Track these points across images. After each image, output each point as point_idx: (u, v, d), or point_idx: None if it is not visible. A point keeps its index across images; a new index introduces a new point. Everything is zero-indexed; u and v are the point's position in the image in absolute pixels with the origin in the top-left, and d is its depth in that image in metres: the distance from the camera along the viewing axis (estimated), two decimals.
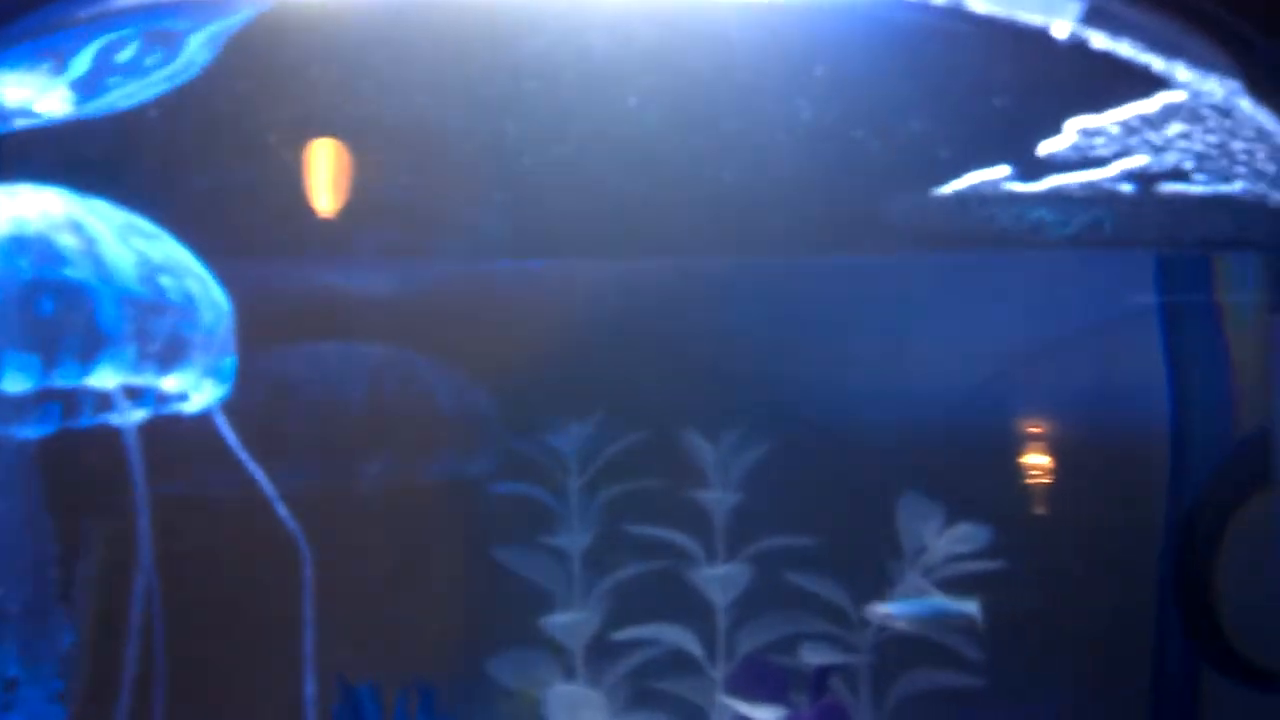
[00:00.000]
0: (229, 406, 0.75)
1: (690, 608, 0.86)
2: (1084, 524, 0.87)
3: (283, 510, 0.61)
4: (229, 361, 0.60)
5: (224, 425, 0.60)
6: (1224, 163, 0.75)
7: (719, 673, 0.85)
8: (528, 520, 0.87)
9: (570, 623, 0.84)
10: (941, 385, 0.88)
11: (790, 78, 0.77)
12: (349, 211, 0.83)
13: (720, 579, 0.85)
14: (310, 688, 0.60)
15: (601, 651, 0.86)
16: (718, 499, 0.86)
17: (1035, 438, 0.89)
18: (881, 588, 0.84)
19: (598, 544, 0.87)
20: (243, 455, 0.60)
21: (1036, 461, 0.89)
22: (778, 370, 0.89)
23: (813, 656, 0.82)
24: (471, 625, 0.89)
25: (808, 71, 0.78)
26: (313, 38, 0.71)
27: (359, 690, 0.77)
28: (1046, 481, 0.88)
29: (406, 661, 0.85)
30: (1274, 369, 0.77)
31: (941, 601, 0.78)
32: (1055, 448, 0.89)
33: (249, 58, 0.65)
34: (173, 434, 0.65)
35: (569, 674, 0.86)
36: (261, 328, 0.85)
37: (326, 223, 0.82)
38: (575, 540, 0.87)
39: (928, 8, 0.74)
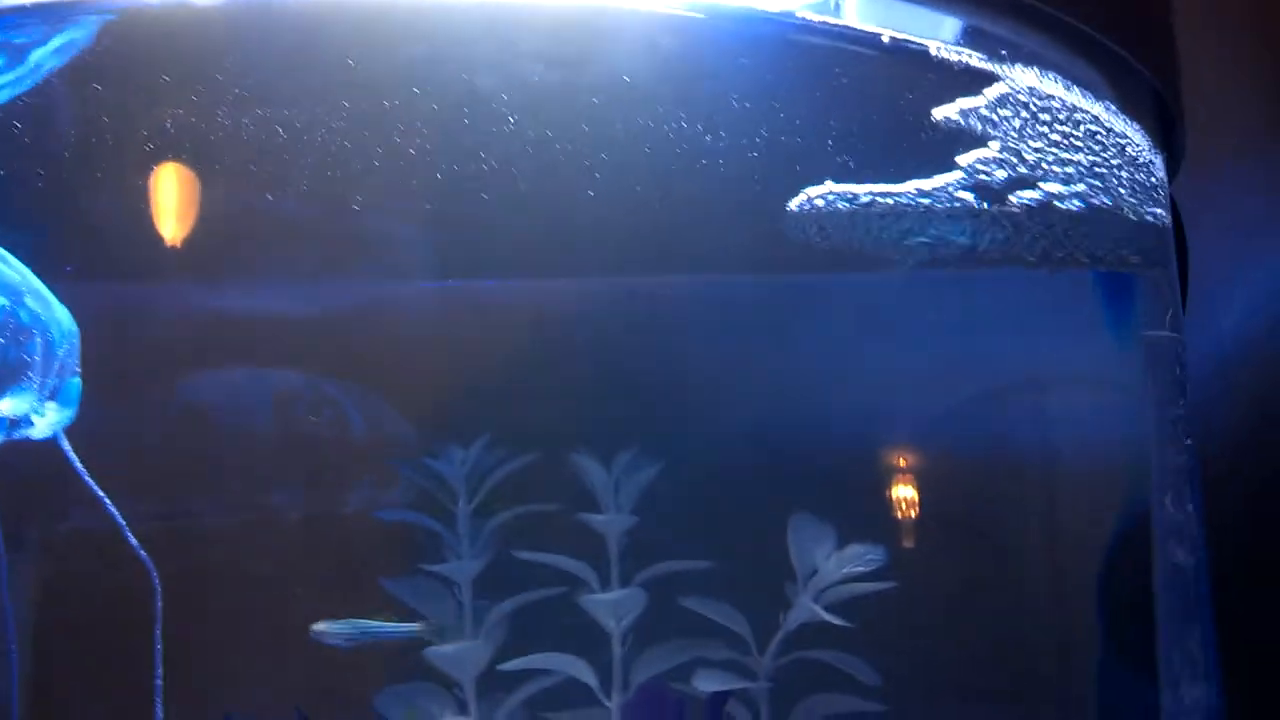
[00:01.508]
0: (130, 437, 0.73)
1: (585, 635, 0.84)
2: (988, 549, 0.86)
3: (133, 539, 0.58)
4: (74, 383, 0.58)
5: (69, 451, 0.58)
6: (1102, 180, 0.74)
7: (614, 702, 0.83)
8: (418, 551, 0.85)
9: (456, 653, 0.82)
10: (845, 406, 0.87)
11: (682, 94, 0.77)
12: (252, 230, 0.81)
13: (613, 604, 0.83)
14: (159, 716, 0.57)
15: (494, 683, 0.84)
16: (610, 521, 0.84)
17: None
18: (779, 611, 0.83)
19: (488, 571, 0.85)
20: (90, 482, 0.58)
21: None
22: (676, 393, 0.88)
23: (707, 684, 0.80)
24: (361, 658, 0.87)
25: (698, 88, 0.77)
26: (199, 39, 0.69)
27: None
28: (949, 500, 0.87)
29: (294, 695, 0.82)
30: (1149, 389, 0.76)
31: (379, 624, 0.77)
32: (962, 466, 0.88)
33: (123, 64, 0.63)
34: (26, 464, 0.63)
35: (461, 708, 0.83)
36: (160, 356, 0.83)
37: (220, 244, 0.80)
38: (465, 567, 0.84)
39: (811, 26, 0.73)
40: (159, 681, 0.58)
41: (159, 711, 0.58)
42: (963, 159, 0.75)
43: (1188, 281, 0.83)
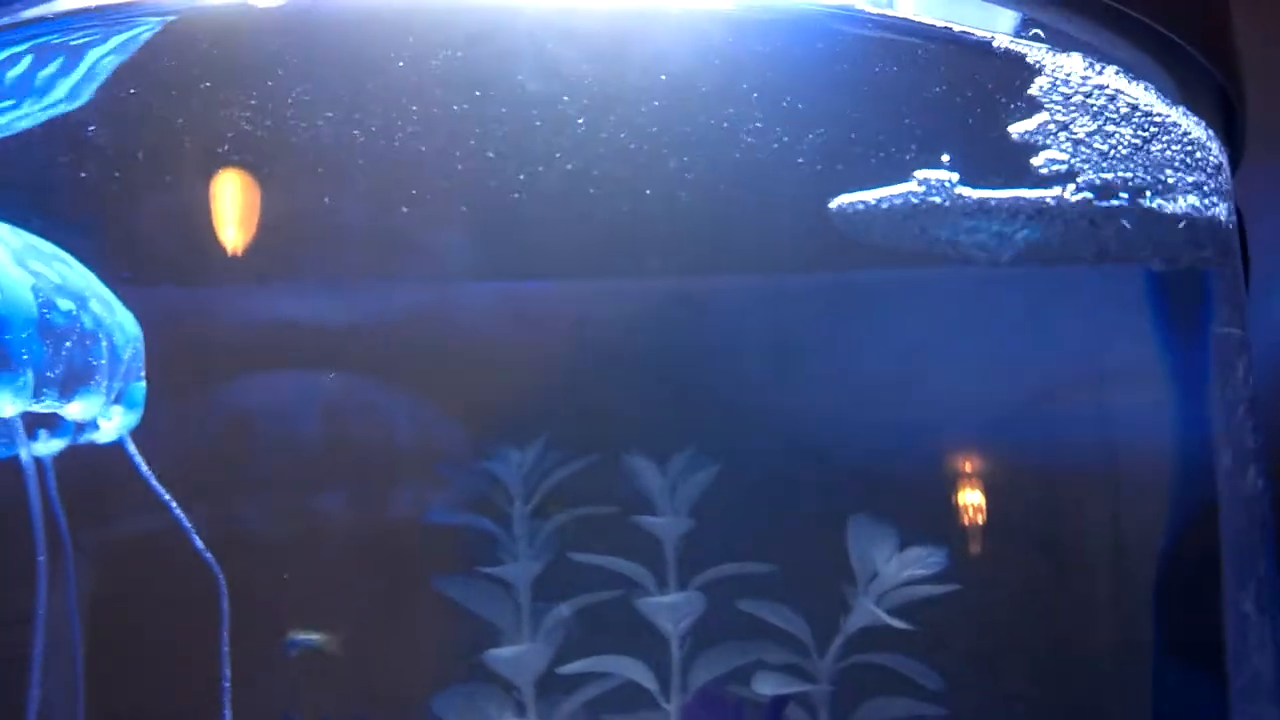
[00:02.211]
0: (179, 440, 0.73)
1: (643, 639, 0.84)
2: (1051, 549, 0.85)
3: (199, 542, 0.58)
4: (138, 387, 0.58)
5: (135, 454, 0.58)
6: (1167, 176, 0.73)
7: (673, 705, 0.83)
8: (476, 554, 0.85)
9: (515, 655, 0.81)
10: (905, 408, 0.86)
11: (733, 91, 0.76)
12: (300, 236, 0.81)
13: (671, 607, 0.83)
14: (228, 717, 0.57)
15: (552, 686, 0.83)
16: (667, 524, 0.84)
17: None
18: (838, 614, 0.82)
19: (545, 574, 0.85)
20: (156, 485, 0.58)
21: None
22: (733, 394, 0.87)
23: (765, 687, 0.80)
24: (422, 662, 0.87)
25: (751, 84, 0.77)
26: (250, 45, 0.69)
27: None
28: (1012, 506, 0.86)
29: (354, 699, 0.82)
30: (1215, 386, 0.75)
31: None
32: (1023, 471, 0.87)
33: (160, 71, 0.64)
34: (90, 467, 0.63)
35: (519, 710, 0.83)
36: (211, 360, 0.83)
37: (277, 248, 0.80)
38: (522, 570, 0.84)
39: (864, 19, 0.73)
40: (226, 684, 0.58)
41: (227, 713, 0.58)
42: (1027, 154, 0.74)
43: (1249, 274, 0.82)
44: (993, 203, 0.73)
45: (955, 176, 0.74)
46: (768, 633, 0.83)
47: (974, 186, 0.73)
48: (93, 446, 0.62)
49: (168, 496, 0.58)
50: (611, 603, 0.84)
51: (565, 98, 0.76)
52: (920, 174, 0.74)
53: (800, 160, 0.76)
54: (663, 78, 0.76)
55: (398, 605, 0.86)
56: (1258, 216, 0.91)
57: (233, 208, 0.78)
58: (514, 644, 0.83)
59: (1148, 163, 0.73)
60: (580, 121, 0.76)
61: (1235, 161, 0.79)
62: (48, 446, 0.60)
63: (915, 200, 0.73)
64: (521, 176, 0.79)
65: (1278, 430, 0.93)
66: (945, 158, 0.72)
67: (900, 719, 0.81)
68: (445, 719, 0.82)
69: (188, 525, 0.58)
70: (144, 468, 0.58)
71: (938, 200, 0.72)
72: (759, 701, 0.81)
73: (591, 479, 0.85)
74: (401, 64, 0.74)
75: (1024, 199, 0.71)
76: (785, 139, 0.76)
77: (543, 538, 0.85)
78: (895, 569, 0.80)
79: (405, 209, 0.80)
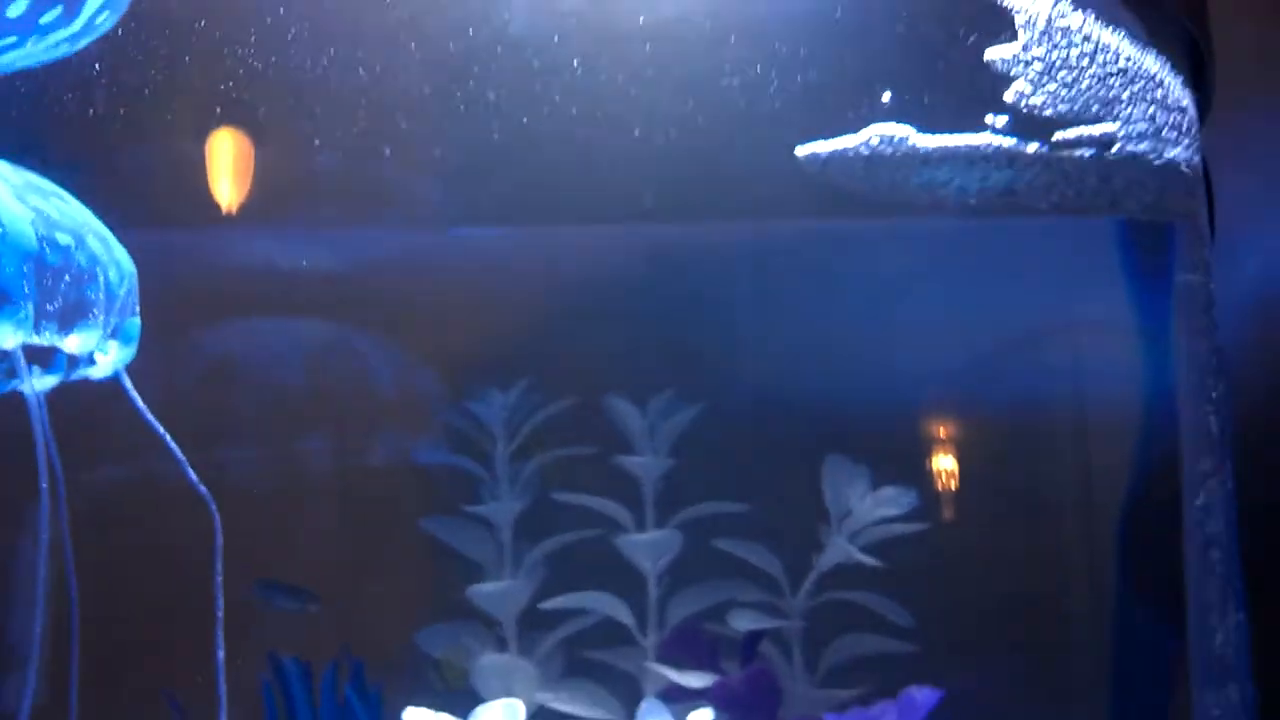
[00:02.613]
0: (164, 383, 0.74)
1: (622, 576, 0.86)
2: (1018, 493, 0.87)
3: (192, 475, 0.60)
4: (133, 323, 0.59)
5: (131, 389, 0.59)
6: (1136, 123, 0.75)
7: (650, 641, 0.85)
8: (463, 493, 0.86)
9: (497, 592, 0.83)
10: (877, 354, 0.88)
11: (703, 36, 0.77)
12: (285, 181, 0.82)
13: (649, 545, 0.85)
14: (220, 654, 0.59)
15: (533, 622, 0.85)
16: (646, 464, 0.85)
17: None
18: (811, 552, 0.84)
19: (527, 513, 0.86)
20: (151, 419, 0.59)
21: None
22: (710, 337, 0.89)
23: (741, 623, 0.82)
24: (406, 599, 0.89)
25: (727, 30, 0.77)
26: None
27: (285, 662, 0.76)
28: (978, 451, 0.88)
29: (340, 636, 0.84)
30: (1178, 334, 0.77)
31: None
32: (990, 418, 0.89)
33: (156, 16, 0.64)
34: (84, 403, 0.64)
35: (501, 645, 0.85)
36: (196, 304, 0.84)
37: (262, 193, 0.81)
38: (504, 509, 0.86)
39: None
40: (220, 614, 0.59)
41: (219, 643, 0.59)
42: (997, 98, 0.75)
43: (1214, 224, 0.84)
44: (962, 149, 0.74)
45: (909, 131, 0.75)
46: (744, 571, 0.85)
47: (943, 131, 0.74)
48: (87, 382, 0.63)
49: (164, 432, 0.59)
50: (591, 541, 0.86)
51: (551, 39, 0.77)
52: (883, 127, 0.75)
53: (775, 106, 0.77)
54: (641, 20, 0.77)
55: (384, 545, 0.88)
56: (1220, 165, 0.92)
57: (228, 150, 0.78)
58: (496, 581, 0.85)
59: (1116, 108, 0.75)
60: (564, 66, 0.77)
61: (1204, 112, 0.80)
62: (42, 382, 0.61)
63: (880, 147, 0.74)
64: (504, 123, 0.80)
65: (1244, 381, 0.95)
66: (888, 96, 0.73)
67: (871, 654, 0.83)
68: (429, 654, 0.84)
69: (183, 460, 0.59)
70: (140, 403, 0.59)
71: (903, 148, 0.73)
72: (735, 637, 0.82)
73: (573, 421, 0.87)
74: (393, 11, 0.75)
75: (991, 145, 0.72)
76: (759, 85, 0.77)
77: (524, 478, 0.86)
78: (869, 507, 0.82)
79: (393, 154, 0.81)
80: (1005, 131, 0.73)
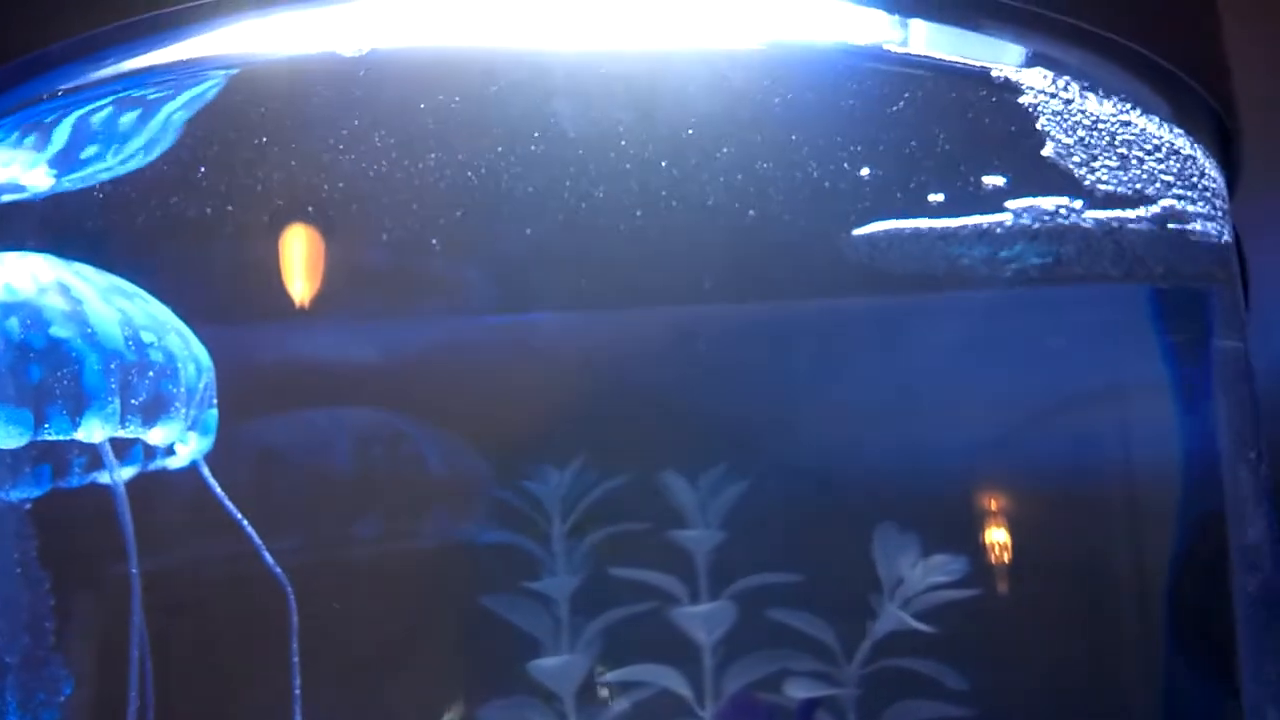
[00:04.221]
0: (216, 476, 0.77)
1: (677, 649, 0.87)
2: (1070, 558, 0.88)
3: (269, 559, 0.62)
4: (212, 414, 0.62)
5: (209, 477, 0.62)
6: (1166, 199, 0.77)
7: (707, 712, 0.86)
8: (516, 571, 0.88)
9: (557, 666, 0.85)
10: (922, 427, 0.89)
11: (744, 123, 0.80)
12: (331, 277, 0.85)
13: (704, 617, 0.86)
14: None
15: (591, 697, 0.87)
16: (699, 538, 0.87)
17: (1015, 475, 0.91)
18: (864, 620, 0.86)
19: (584, 588, 0.88)
20: (230, 505, 0.62)
21: (1015, 499, 0.90)
22: (759, 413, 0.91)
23: (796, 691, 0.83)
24: (466, 678, 0.90)
25: (763, 117, 0.81)
26: (287, 99, 0.73)
27: None
28: (1024, 518, 0.90)
29: (402, 716, 0.86)
30: (1217, 397, 0.79)
31: None
32: (1034, 486, 0.90)
33: (223, 123, 0.68)
34: (165, 493, 0.67)
35: (561, 719, 0.86)
36: (247, 397, 0.87)
37: (309, 289, 0.84)
38: (561, 584, 0.88)
39: (877, 54, 0.77)
40: (298, 692, 0.62)
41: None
42: (1032, 180, 0.78)
43: (1249, 296, 0.86)
44: (1000, 228, 0.77)
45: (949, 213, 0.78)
46: (796, 640, 0.86)
47: (981, 212, 0.77)
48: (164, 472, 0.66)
49: (241, 517, 0.62)
50: (647, 614, 0.87)
51: (593, 137, 0.80)
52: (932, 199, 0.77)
53: (816, 192, 0.80)
54: (680, 115, 0.80)
55: (447, 624, 0.90)
56: (1253, 236, 0.94)
57: (294, 254, 0.81)
58: (555, 656, 0.86)
59: (1149, 186, 0.77)
60: (612, 160, 0.80)
61: (1232, 185, 0.83)
62: (121, 474, 0.64)
63: (927, 228, 0.76)
64: (557, 213, 0.83)
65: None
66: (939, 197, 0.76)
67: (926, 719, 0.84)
68: None
69: (260, 544, 0.62)
70: (219, 490, 0.62)
71: (944, 229, 0.76)
72: (790, 706, 0.84)
73: (626, 497, 0.89)
74: (453, 105, 0.78)
75: (1026, 224, 0.75)
76: (802, 171, 0.80)
77: (580, 554, 0.88)
78: (920, 575, 0.83)
79: (441, 248, 0.84)
80: (1038, 210, 0.76)
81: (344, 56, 0.71)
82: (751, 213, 0.82)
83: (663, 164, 0.81)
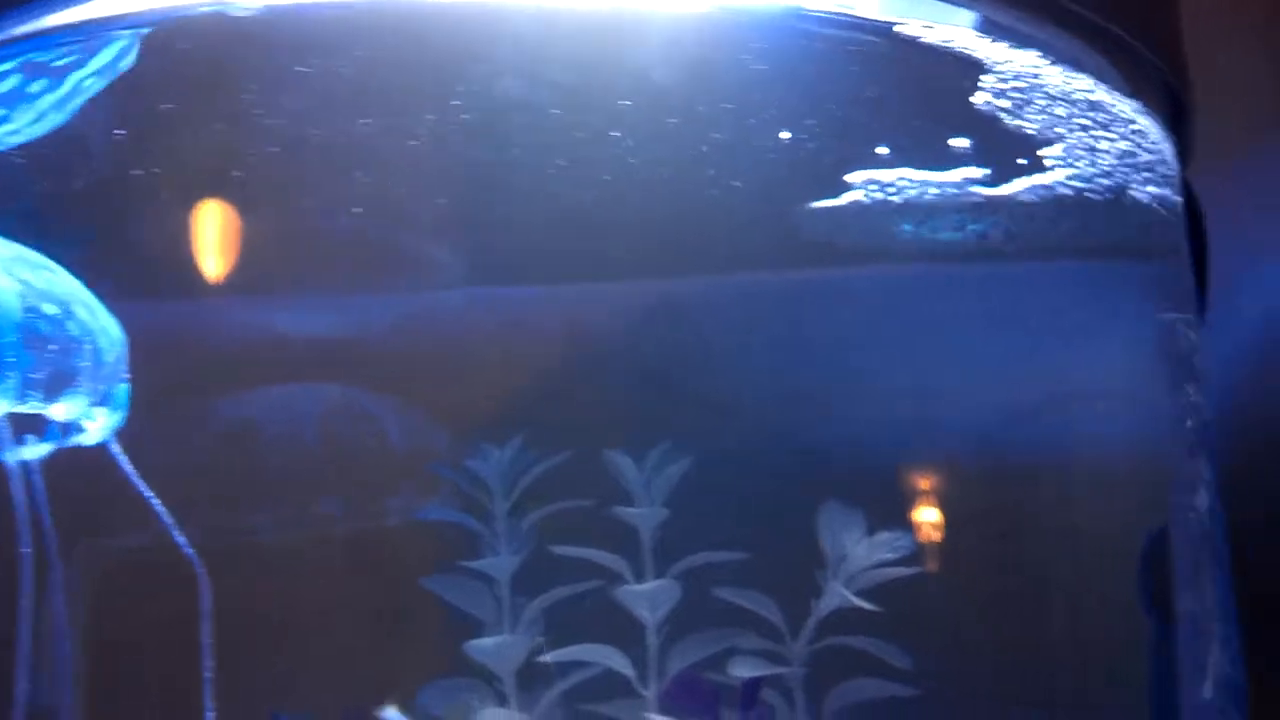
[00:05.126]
0: (178, 451, 0.75)
1: (622, 628, 0.86)
2: (1011, 537, 0.87)
3: (181, 538, 0.61)
4: (122, 389, 0.60)
5: (120, 455, 0.60)
6: (1111, 167, 0.76)
7: (650, 692, 0.85)
8: (459, 550, 0.87)
9: (494, 646, 0.84)
10: (869, 403, 0.88)
11: (693, 90, 0.79)
12: (292, 247, 0.83)
13: (648, 595, 0.85)
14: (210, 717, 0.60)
15: (533, 677, 0.85)
16: (643, 515, 0.86)
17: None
18: (810, 599, 0.84)
19: (526, 567, 0.87)
20: (140, 484, 0.60)
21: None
22: (705, 390, 0.89)
23: (741, 670, 0.82)
24: (408, 657, 0.89)
25: (718, 87, 0.79)
26: (233, 49, 0.71)
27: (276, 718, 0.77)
28: (970, 496, 0.88)
29: (345, 696, 0.84)
30: (1160, 372, 0.78)
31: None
32: (979, 463, 0.89)
33: (140, 86, 0.66)
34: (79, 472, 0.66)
35: (501, 700, 0.85)
36: (205, 373, 0.85)
37: (270, 260, 0.82)
38: (502, 564, 0.86)
39: (819, 17, 0.75)
40: (208, 674, 0.60)
41: (209, 707, 0.60)
42: (981, 149, 0.76)
43: (1207, 267, 0.84)
44: (947, 198, 0.75)
45: (913, 174, 0.77)
46: (743, 619, 0.85)
47: (928, 184, 0.76)
48: (79, 450, 0.64)
49: (152, 496, 0.60)
50: (591, 594, 0.86)
51: (537, 100, 0.78)
52: (876, 174, 0.76)
53: (765, 162, 0.78)
54: (634, 80, 0.78)
55: (385, 604, 0.89)
56: (1217, 207, 0.93)
57: (215, 221, 0.80)
58: (495, 636, 0.85)
59: (1097, 155, 0.76)
60: (552, 124, 0.78)
61: (1185, 156, 0.81)
62: (35, 451, 0.63)
63: (875, 199, 0.75)
64: (496, 181, 0.81)
65: (1244, 426, 0.95)
66: (884, 151, 0.74)
67: (872, 700, 0.83)
68: (431, 711, 0.84)
69: (171, 524, 0.60)
70: (129, 468, 0.60)
71: (895, 198, 0.74)
72: (736, 685, 0.83)
73: (569, 475, 0.88)
74: (378, 66, 0.76)
75: (968, 193, 0.73)
76: (751, 141, 0.78)
77: (523, 532, 0.87)
78: (864, 552, 0.82)
79: (384, 218, 0.82)
80: (983, 181, 0.74)
81: (266, 10, 0.69)
82: (703, 184, 0.81)
83: (611, 133, 0.79)
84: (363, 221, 0.81)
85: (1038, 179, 0.73)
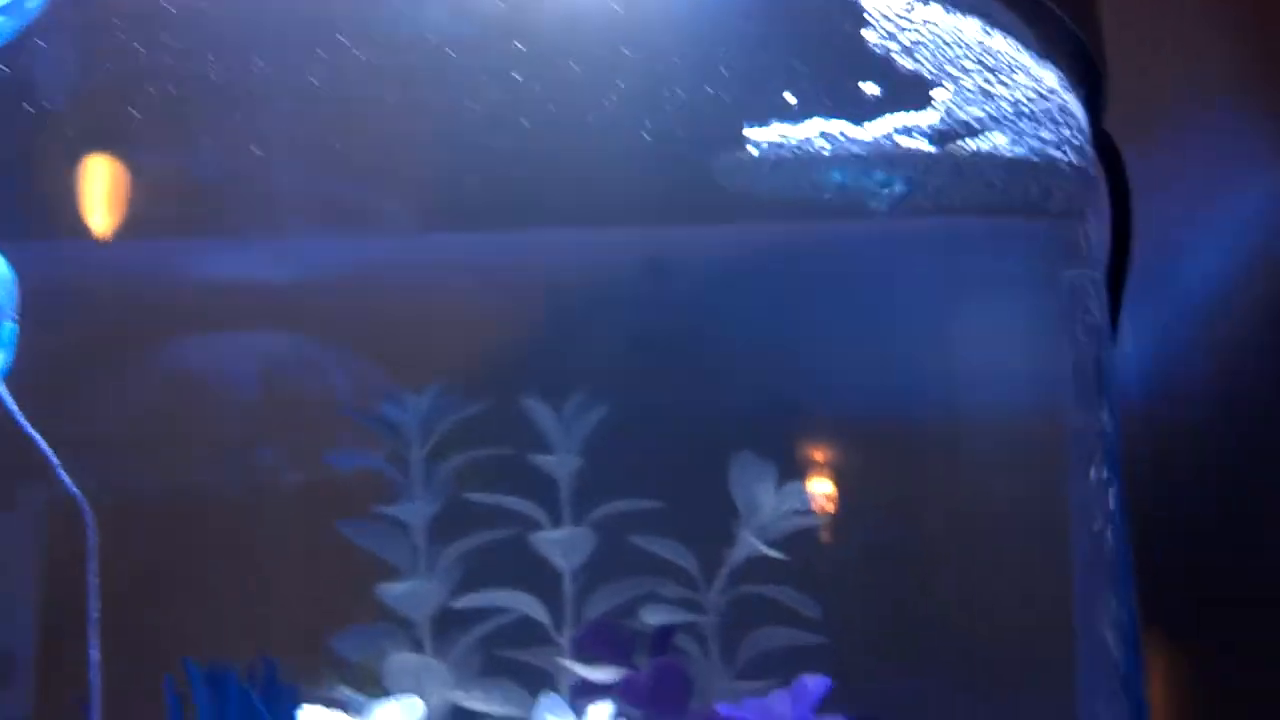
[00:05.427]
0: (119, 399, 0.75)
1: (541, 576, 0.86)
2: (912, 489, 0.87)
3: (65, 476, 0.61)
4: (8, 328, 0.60)
5: (4, 393, 0.60)
6: (1027, 128, 0.75)
7: (565, 638, 0.85)
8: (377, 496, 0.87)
9: (406, 591, 0.84)
10: (786, 355, 0.88)
11: (605, 42, 0.78)
12: (239, 191, 0.83)
13: (563, 542, 0.85)
14: (94, 655, 0.60)
15: (449, 622, 0.86)
16: (559, 462, 0.86)
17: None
18: (724, 548, 0.85)
19: (444, 514, 0.87)
20: (23, 422, 0.60)
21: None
22: (625, 340, 0.89)
23: (652, 617, 0.82)
24: (323, 604, 0.89)
25: (624, 38, 0.78)
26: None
27: (188, 665, 0.77)
28: (879, 445, 0.89)
29: (261, 643, 0.84)
30: (1064, 328, 0.77)
31: None
32: (894, 415, 0.89)
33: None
34: None
35: (416, 646, 0.85)
36: (148, 319, 0.85)
37: (216, 203, 0.82)
38: (417, 510, 0.86)
39: None
40: (94, 615, 0.60)
41: (94, 647, 0.60)
42: (894, 102, 0.75)
43: (1130, 225, 0.84)
44: (859, 152, 0.75)
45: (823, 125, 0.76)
46: (662, 567, 0.85)
47: (840, 137, 0.75)
48: None
49: (38, 436, 0.60)
50: (510, 541, 0.86)
51: (445, 46, 0.78)
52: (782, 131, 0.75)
53: (675, 112, 0.78)
54: (542, 28, 0.77)
55: (300, 549, 0.89)
56: (1161, 173, 0.92)
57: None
58: (407, 581, 0.85)
59: (1010, 114, 0.75)
60: (463, 73, 0.78)
61: (1097, 118, 0.81)
62: None
63: (781, 151, 0.74)
64: (412, 131, 0.80)
65: (1189, 383, 0.95)
66: (792, 99, 0.74)
67: (785, 646, 0.83)
68: (344, 657, 0.84)
69: (57, 463, 0.60)
70: (13, 407, 0.60)
71: (800, 151, 0.74)
72: (650, 632, 0.83)
73: (488, 422, 0.88)
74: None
75: (881, 146, 0.73)
76: (659, 91, 0.78)
77: (439, 479, 0.87)
78: (775, 503, 0.82)
79: (307, 162, 0.82)
80: (897, 131, 0.74)
81: None
82: (616, 134, 0.80)
83: (519, 78, 0.79)
84: (259, 166, 0.81)
85: (930, 125, 0.73)
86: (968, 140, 0.73)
